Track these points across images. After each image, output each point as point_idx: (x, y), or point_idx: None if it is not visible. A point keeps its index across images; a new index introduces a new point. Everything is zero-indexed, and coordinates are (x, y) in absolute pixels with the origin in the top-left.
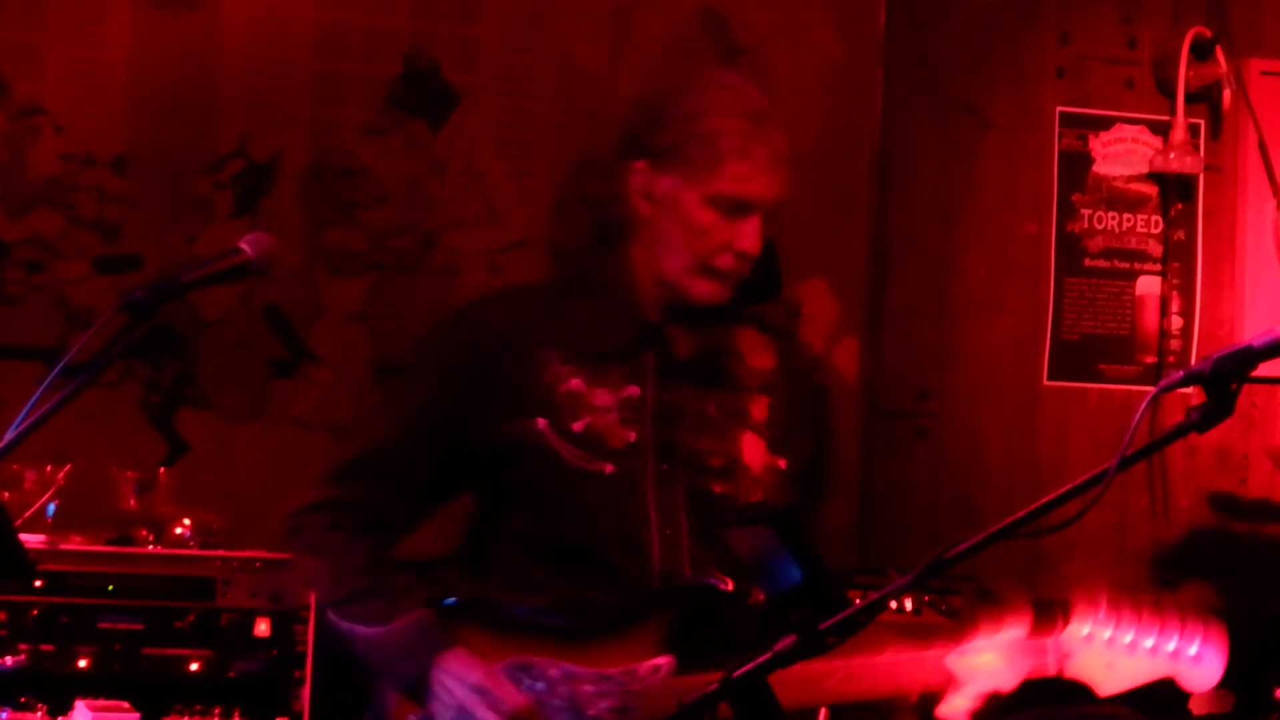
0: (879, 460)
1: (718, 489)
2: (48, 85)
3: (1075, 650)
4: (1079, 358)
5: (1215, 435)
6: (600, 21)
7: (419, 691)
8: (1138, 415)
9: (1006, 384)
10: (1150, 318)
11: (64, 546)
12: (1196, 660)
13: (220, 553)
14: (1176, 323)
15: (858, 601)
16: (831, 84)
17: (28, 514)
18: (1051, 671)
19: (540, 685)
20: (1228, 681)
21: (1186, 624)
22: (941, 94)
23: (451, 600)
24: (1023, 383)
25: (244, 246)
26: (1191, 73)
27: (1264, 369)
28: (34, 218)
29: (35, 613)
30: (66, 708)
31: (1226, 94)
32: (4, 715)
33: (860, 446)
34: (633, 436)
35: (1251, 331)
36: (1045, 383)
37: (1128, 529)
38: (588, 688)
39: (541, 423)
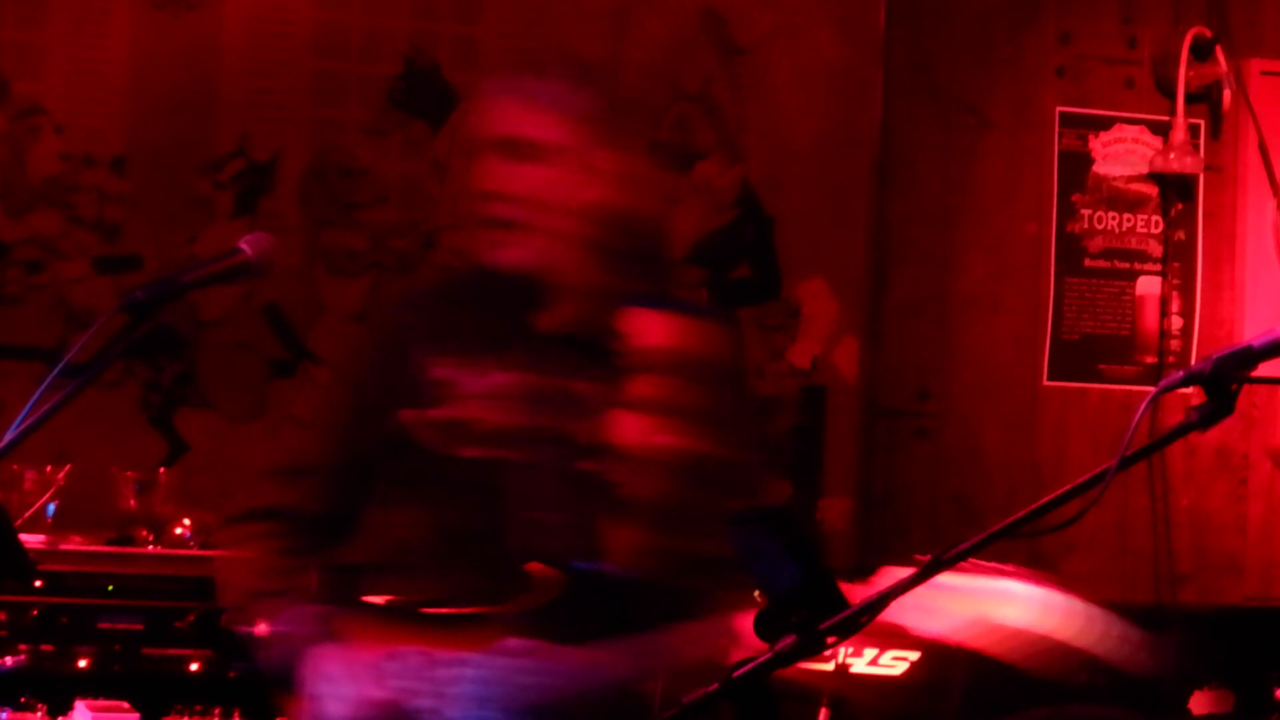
0: (878, 460)
1: (585, 468)
2: (48, 85)
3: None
4: (1079, 358)
5: (1215, 435)
6: (600, 22)
7: (294, 690)
8: (1138, 415)
9: (1006, 384)
10: (1150, 318)
11: (64, 547)
12: (1003, 596)
13: (220, 553)
14: (1176, 323)
15: (860, 599)
16: (831, 84)
17: (28, 514)
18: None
19: (405, 673)
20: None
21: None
22: (941, 94)
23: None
24: (1022, 383)
25: (244, 246)
26: (1191, 73)
27: (1264, 369)
28: (34, 218)
29: (35, 613)
30: (66, 708)
31: (1226, 94)
32: (4, 715)
33: (859, 446)
34: (503, 421)
35: (1251, 331)
36: (1045, 383)
37: (1128, 529)
38: (444, 672)
39: (417, 415)
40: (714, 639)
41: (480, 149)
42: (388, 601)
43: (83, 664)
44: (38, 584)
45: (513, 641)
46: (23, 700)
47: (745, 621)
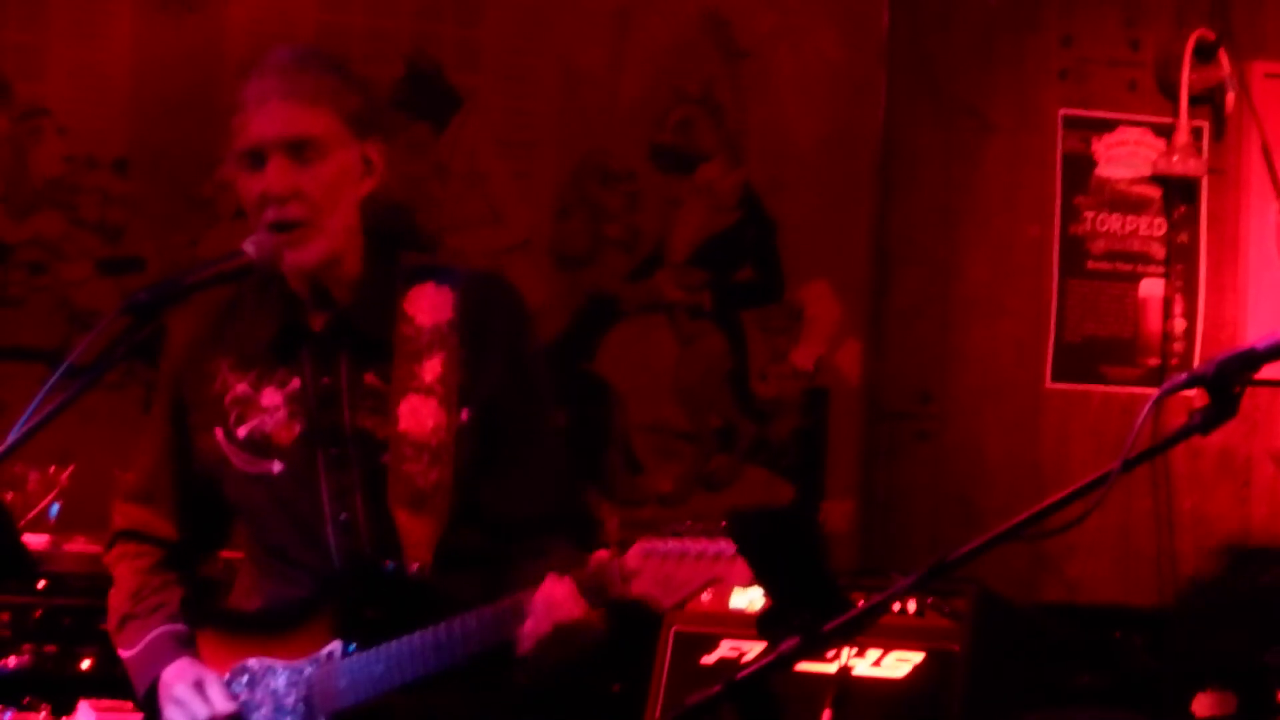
0: (881, 463)
1: (384, 462)
2: (50, 87)
3: (638, 569)
4: (1081, 360)
5: (1218, 438)
6: (602, 24)
7: (151, 707)
8: (1141, 418)
9: (1008, 386)
10: (1153, 320)
11: (67, 548)
12: (731, 560)
13: (223, 554)
14: (1179, 325)
15: (860, 603)
16: (833, 86)
17: (31, 515)
18: (619, 592)
19: (248, 685)
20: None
21: (713, 535)
22: (943, 96)
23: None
24: (1025, 385)
25: (246, 248)
26: (1194, 75)
27: (1267, 371)
28: (37, 219)
29: (38, 613)
30: (70, 708)
31: (1230, 96)
32: (8, 716)
33: (862, 449)
34: (299, 429)
35: (1254, 334)
36: (1048, 385)
37: (1130, 531)
38: (280, 681)
39: (219, 433)
40: (505, 620)
41: (266, 150)
42: (232, 615)
43: (86, 665)
44: (41, 584)
45: (334, 646)
46: (26, 700)
47: (545, 592)
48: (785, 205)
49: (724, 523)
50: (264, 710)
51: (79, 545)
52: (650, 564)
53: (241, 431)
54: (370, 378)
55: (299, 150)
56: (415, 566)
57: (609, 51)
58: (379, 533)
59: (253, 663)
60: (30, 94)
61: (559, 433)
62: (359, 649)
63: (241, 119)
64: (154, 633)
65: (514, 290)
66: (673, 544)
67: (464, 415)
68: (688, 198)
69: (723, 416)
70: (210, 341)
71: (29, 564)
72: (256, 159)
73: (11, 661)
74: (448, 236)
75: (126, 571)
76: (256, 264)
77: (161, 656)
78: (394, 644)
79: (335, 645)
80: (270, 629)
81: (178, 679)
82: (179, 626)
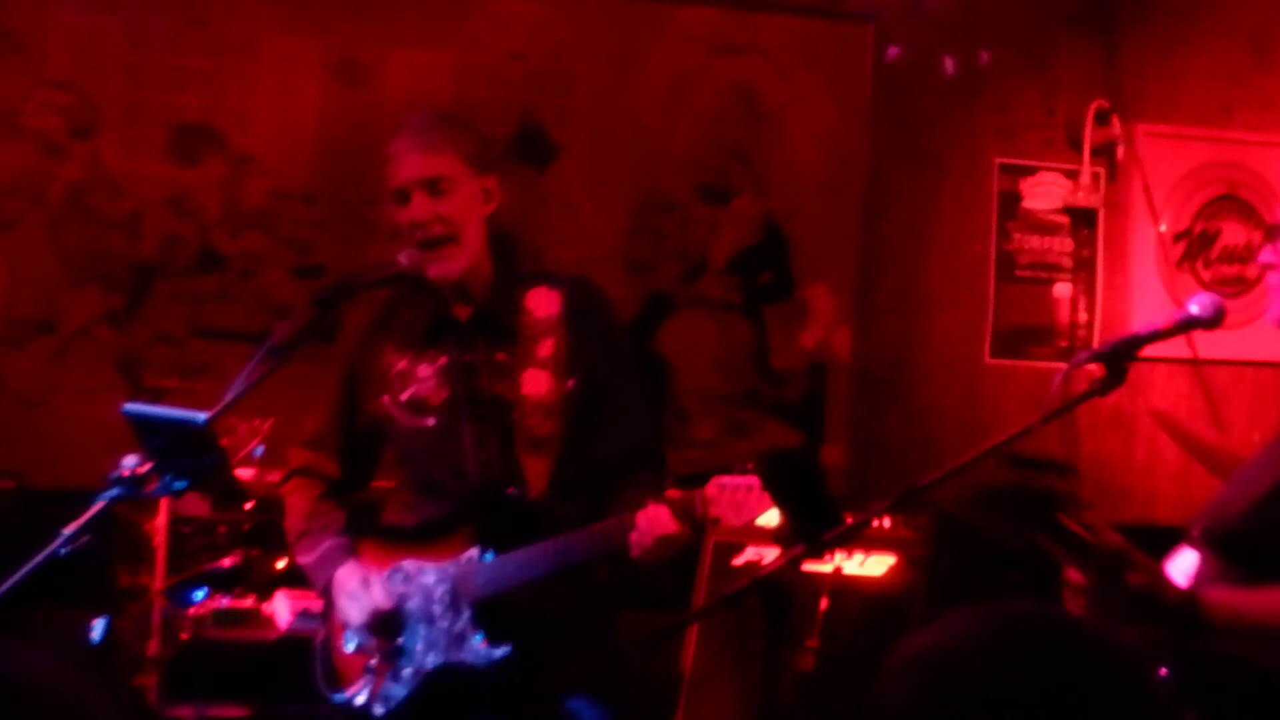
0: (865, 417)
1: (511, 418)
2: (257, 139)
3: (715, 497)
4: (1012, 343)
5: (1111, 399)
6: (661, 94)
7: (328, 599)
8: (1055, 385)
9: (959, 362)
10: (1064, 313)
11: (267, 479)
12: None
13: (374, 485)
14: (1083, 317)
15: (850, 520)
16: (831, 140)
17: (241, 455)
18: (701, 514)
19: (403, 582)
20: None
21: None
22: (912, 148)
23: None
24: (971, 360)
25: (400, 260)
26: (1094, 134)
27: (1146, 351)
28: (246, 237)
29: (246, 527)
30: (269, 597)
31: (1120, 150)
32: (226, 601)
33: (851, 406)
34: (446, 394)
35: (1138, 324)
36: (987, 361)
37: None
38: (430, 578)
39: (385, 399)
40: (614, 533)
41: (410, 189)
42: (390, 529)
43: (281, 565)
44: (248, 505)
45: (470, 551)
46: (237, 591)
47: (648, 513)
48: (796, 228)
49: (750, 463)
50: (416, 600)
51: (275, 477)
52: (724, 495)
53: (404, 396)
54: (500, 355)
55: (433, 186)
56: (534, 494)
57: (666, 115)
58: (507, 469)
59: (407, 564)
60: (242, 145)
61: (641, 394)
62: (494, 554)
63: (391, 168)
64: (326, 544)
65: (602, 290)
66: (740, 479)
67: (569, 383)
68: (724, 223)
69: (749, 383)
70: (376, 329)
71: (239, 491)
72: (403, 196)
73: (227, 562)
74: (548, 251)
75: (301, 499)
76: (407, 272)
77: (333, 561)
78: (520, 551)
79: (474, 551)
80: (421, 539)
81: (349, 578)
82: (345, 539)
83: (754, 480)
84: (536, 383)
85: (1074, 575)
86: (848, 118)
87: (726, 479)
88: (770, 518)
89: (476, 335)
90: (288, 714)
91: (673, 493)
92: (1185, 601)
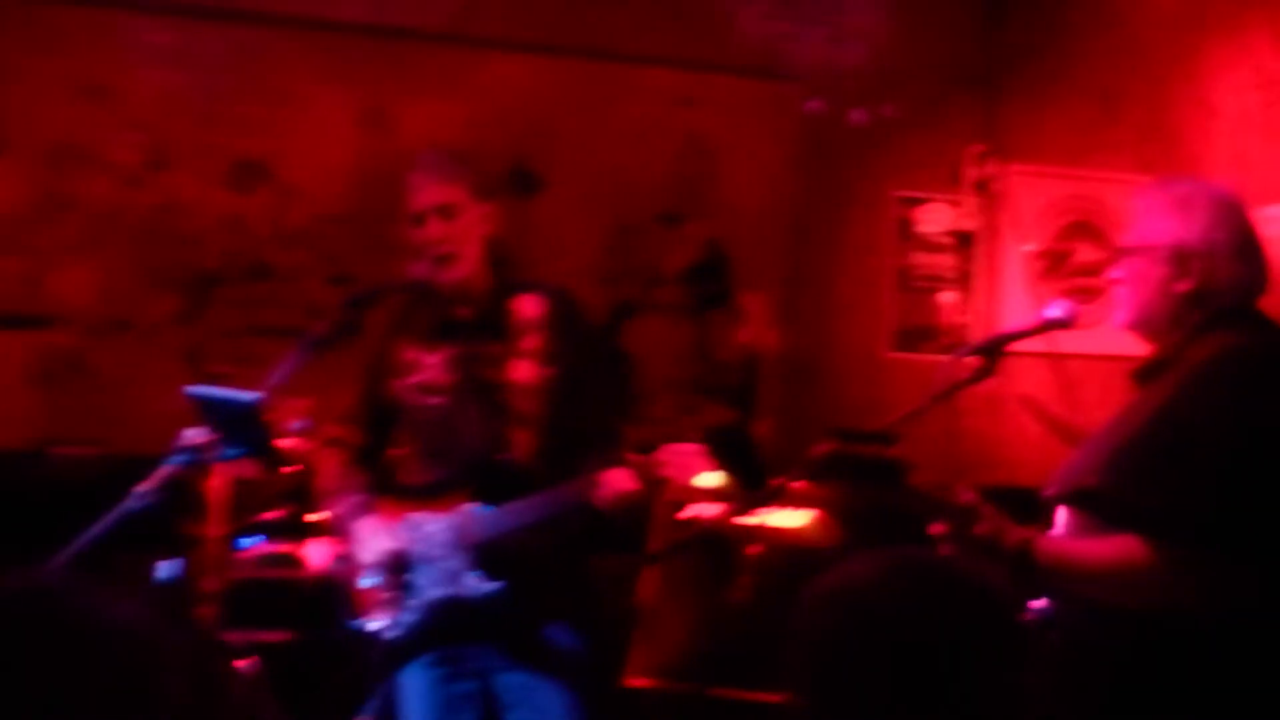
0: (789, 399)
1: (501, 399)
2: (299, 172)
3: (667, 460)
4: (908, 340)
5: (985, 386)
6: (630, 139)
7: (350, 546)
8: (940, 374)
9: (865, 356)
10: (948, 316)
11: (304, 447)
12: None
13: (390, 452)
14: (963, 319)
15: (775, 481)
16: (765, 176)
17: (283, 428)
18: (657, 474)
19: (412, 530)
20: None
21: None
22: (829, 183)
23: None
24: (874, 355)
25: (416, 270)
26: (974, 171)
27: (1014, 346)
28: (290, 252)
29: (287, 486)
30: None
31: (994, 184)
32: (266, 544)
33: (778, 390)
34: (452, 379)
35: (1007, 325)
36: (887, 355)
37: (936, 443)
38: (434, 527)
39: (401, 382)
40: (585, 490)
41: (425, 214)
42: (402, 488)
43: (314, 517)
44: (288, 469)
45: (468, 505)
46: (279, 538)
47: (613, 474)
48: (735, 248)
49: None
50: (423, 545)
51: (311, 446)
52: (673, 458)
53: (416, 381)
54: (494, 348)
55: (445, 211)
56: (521, 459)
57: (632, 155)
58: (499, 439)
59: (415, 517)
60: (287, 177)
61: (608, 381)
62: (486, 507)
63: (410, 195)
64: (351, 499)
65: (578, 297)
66: (685, 446)
67: (550, 371)
68: (677, 244)
69: (696, 372)
70: (395, 327)
71: (281, 457)
72: (420, 219)
73: (270, 515)
74: (535, 266)
75: (331, 464)
76: (420, 280)
77: (353, 515)
78: (508, 505)
79: (471, 505)
80: (428, 496)
81: (367, 526)
82: (366, 496)
83: (697, 447)
84: (523, 370)
85: (935, 528)
86: (776, 158)
87: (675, 445)
88: (710, 479)
89: (475, 332)
90: (319, 639)
91: (632, 456)
92: (1020, 548)
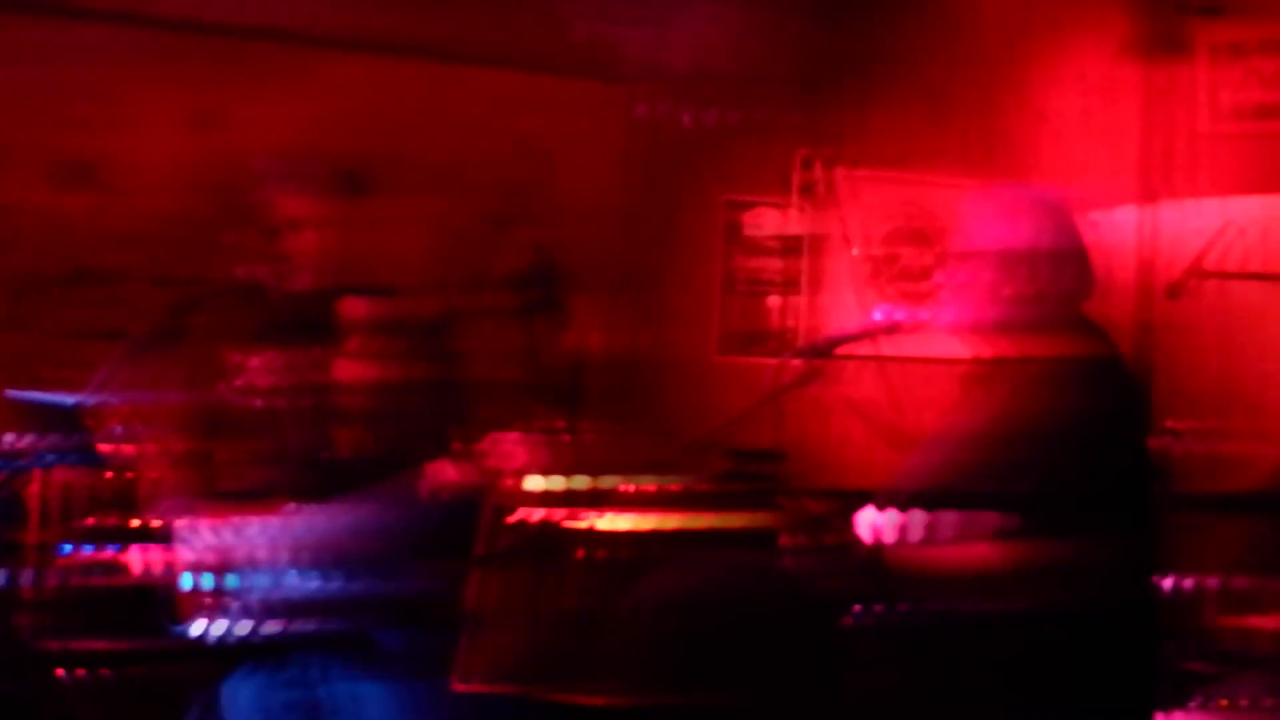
0: (617, 401)
1: (329, 399)
2: (127, 173)
3: (490, 450)
4: (737, 343)
5: (813, 389)
6: (463, 143)
7: (172, 550)
8: (769, 377)
9: (695, 358)
10: (777, 320)
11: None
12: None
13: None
14: (792, 324)
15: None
16: (597, 179)
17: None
18: (481, 464)
19: (235, 532)
20: None
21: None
22: (660, 187)
23: None
24: (702, 358)
25: (249, 272)
26: (803, 176)
27: (841, 350)
28: (115, 253)
29: (108, 491)
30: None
31: (822, 189)
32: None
33: (605, 394)
34: (280, 381)
35: (835, 329)
36: (715, 359)
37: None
38: (257, 529)
39: (229, 385)
40: (408, 485)
41: (281, 225)
42: (226, 492)
43: (137, 522)
44: (109, 474)
45: (295, 506)
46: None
47: (435, 467)
48: (564, 252)
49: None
50: (245, 548)
51: (133, 450)
52: (498, 448)
53: (238, 384)
54: (322, 349)
55: (302, 223)
56: (344, 459)
57: (463, 158)
58: (323, 439)
59: (243, 519)
60: (114, 178)
61: (437, 381)
62: (310, 508)
63: (262, 208)
64: (171, 505)
65: (404, 300)
66: (509, 435)
67: (380, 371)
68: (507, 246)
69: (524, 375)
70: (219, 330)
71: (102, 461)
72: (276, 233)
73: (91, 520)
74: (364, 268)
75: (153, 471)
76: (247, 285)
77: (176, 519)
78: (336, 504)
79: (294, 506)
80: (251, 499)
81: (189, 530)
82: (186, 501)
83: (520, 436)
84: (347, 370)
85: (786, 539)
86: (606, 162)
87: (500, 435)
88: (539, 482)
89: (300, 333)
90: (141, 646)
91: (458, 447)
92: (872, 558)
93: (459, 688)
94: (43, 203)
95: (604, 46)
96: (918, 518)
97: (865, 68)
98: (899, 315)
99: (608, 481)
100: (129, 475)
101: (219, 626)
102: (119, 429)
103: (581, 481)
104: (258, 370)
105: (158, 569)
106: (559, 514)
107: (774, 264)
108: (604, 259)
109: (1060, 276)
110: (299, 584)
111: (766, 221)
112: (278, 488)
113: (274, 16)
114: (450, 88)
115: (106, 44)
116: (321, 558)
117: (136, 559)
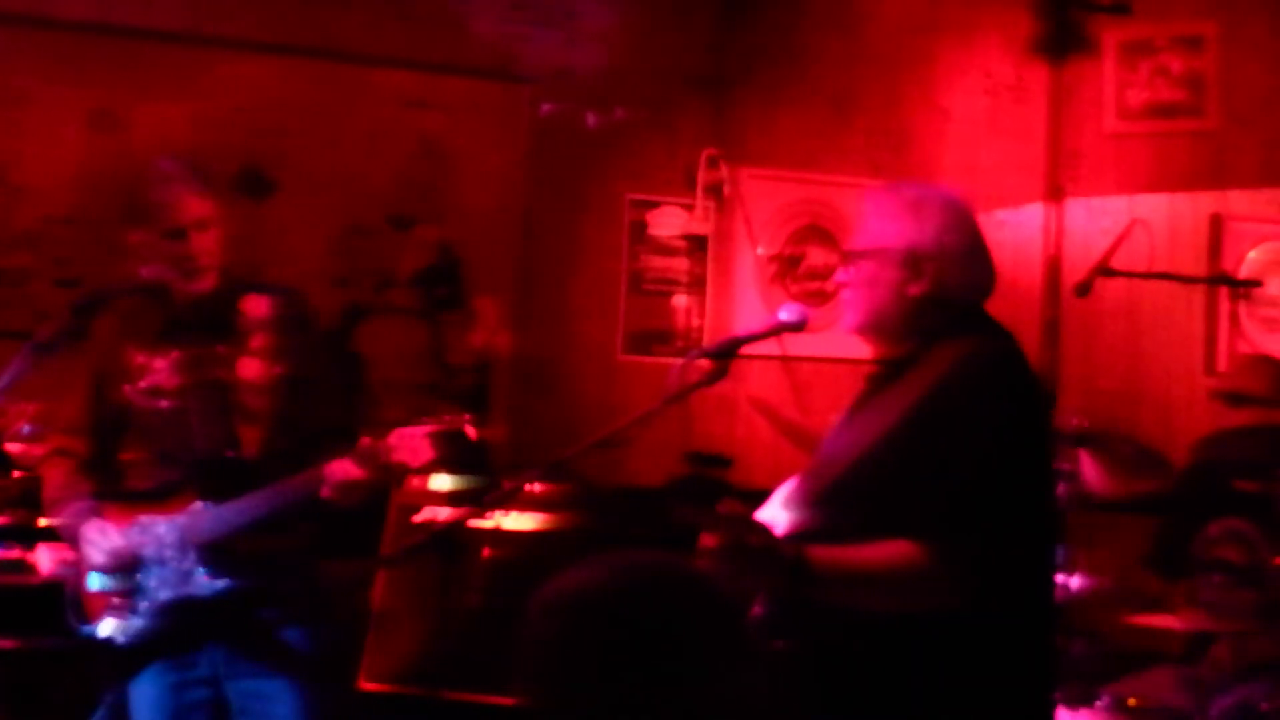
0: (519, 403)
1: (232, 398)
2: (28, 174)
3: (396, 445)
4: (640, 343)
5: (718, 388)
6: (362, 142)
7: (77, 551)
8: (673, 376)
9: (598, 358)
10: (681, 320)
11: (31, 452)
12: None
13: (121, 456)
14: (696, 323)
15: (507, 485)
16: (496, 179)
17: (9, 433)
18: (385, 459)
19: (140, 532)
20: None
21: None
22: (561, 186)
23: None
24: (607, 357)
25: (145, 274)
26: (707, 175)
27: (746, 350)
28: (17, 253)
29: (14, 491)
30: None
31: (726, 188)
32: None
33: (511, 393)
34: (178, 380)
35: (739, 327)
36: (620, 358)
37: (668, 443)
38: (162, 528)
39: (127, 388)
40: (309, 483)
41: (184, 228)
42: (130, 492)
43: (42, 523)
44: (15, 474)
45: (197, 505)
46: (6, 544)
47: (334, 464)
48: (467, 251)
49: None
50: (151, 547)
51: (38, 450)
52: (403, 442)
53: (143, 385)
54: (222, 348)
55: (203, 225)
56: (249, 457)
57: (363, 157)
58: (227, 437)
59: (144, 519)
60: (16, 178)
61: (337, 381)
62: (215, 505)
63: (167, 211)
64: (76, 506)
65: (307, 299)
66: (415, 429)
67: (278, 369)
68: (409, 246)
69: (429, 375)
70: (122, 330)
71: (7, 462)
72: (179, 234)
73: None
74: (265, 268)
75: (57, 474)
76: (150, 285)
77: (81, 520)
78: (237, 501)
79: (199, 504)
80: (156, 499)
81: (93, 530)
82: (92, 502)
83: (427, 429)
84: (252, 369)
85: (706, 540)
86: (509, 161)
87: (405, 429)
88: (444, 482)
89: (203, 333)
90: (47, 646)
91: (361, 443)
92: (794, 558)
93: (364, 686)
94: None
95: (507, 46)
96: (831, 518)
97: (769, 66)
98: (802, 314)
99: (512, 481)
100: (33, 476)
101: (125, 626)
102: (23, 430)
103: (486, 481)
104: (161, 371)
105: (63, 569)
106: (463, 513)
107: (679, 263)
108: (508, 258)
109: (963, 274)
110: (204, 583)
111: (671, 221)
112: (182, 486)
113: (175, 18)
114: (352, 88)
115: (6, 46)
116: (226, 556)
117: (45, 559)
